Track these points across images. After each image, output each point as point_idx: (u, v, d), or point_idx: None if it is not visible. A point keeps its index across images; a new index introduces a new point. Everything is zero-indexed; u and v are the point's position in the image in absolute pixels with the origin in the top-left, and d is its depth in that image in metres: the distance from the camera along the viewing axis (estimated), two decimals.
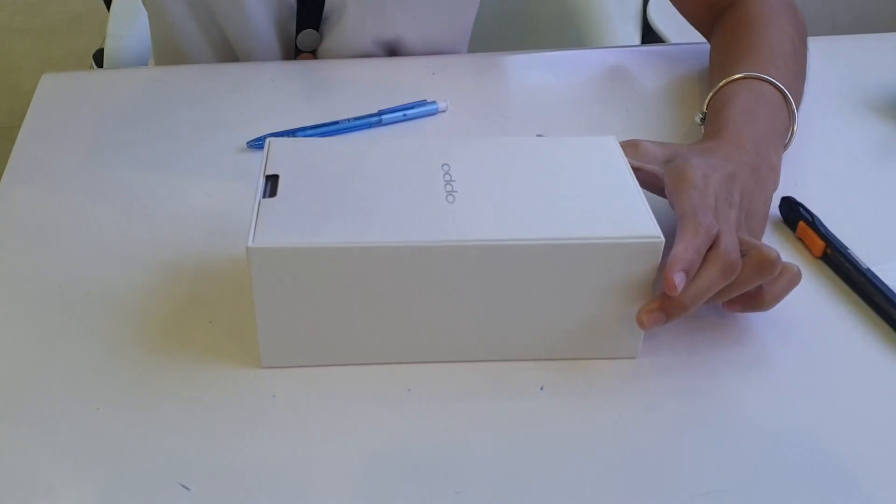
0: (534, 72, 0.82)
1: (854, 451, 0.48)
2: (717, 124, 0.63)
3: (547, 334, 0.51)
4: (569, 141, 0.56)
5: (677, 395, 0.51)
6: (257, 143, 0.70)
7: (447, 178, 0.52)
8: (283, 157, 0.53)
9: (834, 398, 0.51)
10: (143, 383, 0.51)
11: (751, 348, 0.54)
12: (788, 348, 0.54)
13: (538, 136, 0.67)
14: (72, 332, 0.54)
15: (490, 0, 0.93)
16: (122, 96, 0.77)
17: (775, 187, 0.61)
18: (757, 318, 0.55)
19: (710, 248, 0.51)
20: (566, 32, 1.10)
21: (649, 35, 1.11)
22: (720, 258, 0.50)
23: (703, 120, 0.68)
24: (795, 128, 0.66)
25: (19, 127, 0.73)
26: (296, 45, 0.85)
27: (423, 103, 0.74)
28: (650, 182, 0.56)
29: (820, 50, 0.76)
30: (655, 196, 0.55)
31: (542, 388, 0.51)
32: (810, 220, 0.61)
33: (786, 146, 0.66)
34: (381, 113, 0.73)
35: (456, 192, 0.51)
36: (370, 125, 0.73)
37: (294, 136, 0.70)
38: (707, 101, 0.68)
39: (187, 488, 0.45)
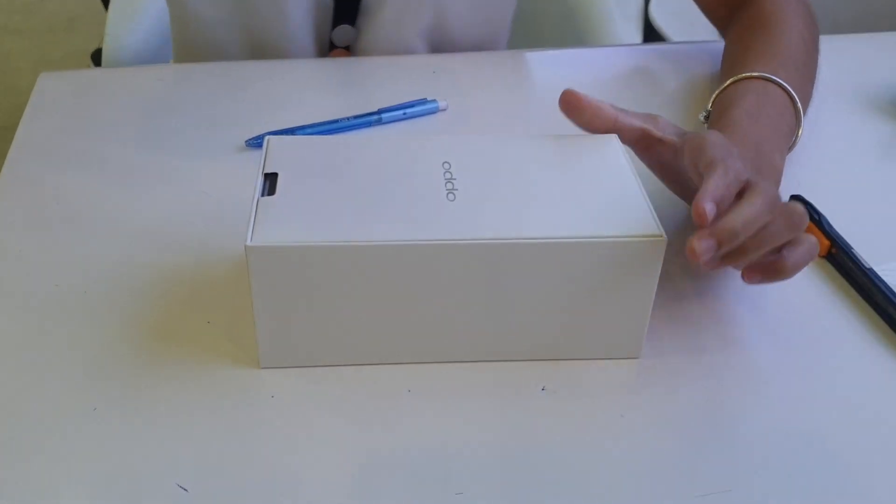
0: (534, 70, 0.82)
1: (856, 451, 0.47)
2: (720, 123, 0.62)
3: (548, 334, 0.51)
4: (570, 139, 0.55)
5: (680, 395, 0.50)
6: (256, 142, 0.69)
7: (448, 176, 0.51)
8: (282, 155, 0.53)
9: (835, 399, 0.50)
10: (140, 383, 0.50)
11: (753, 348, 0.53)
12: (790, 349, 0.53)
13: None
14: (69, 331, 0.53)
15: None
16: (119, 96, 0.77)
17: (777, 188, 0.61)
18: (758, 318, 0.55)
19: (745, 189, 0.49)
20: (568, 31, 1.10)
21: (651, 34, 1.11)
22: (761, 190, 0.48)
23: (706, 118, 0.67)
24: (801, 132, 0.66)
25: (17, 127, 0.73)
26: (330, 41, 0.84)
27: (422, 102, 0.74)
28: (667, 156, 0.55)
29: (822, 49, 0.76)
30: (657, 195, 0.55)
31: (543, 389, 0.50)
32: (817, 219, 0.60)
33: (790, 148, 0.66)
34: (380, 111, 0.72)
35: (457, 190, 0.50)
36: (370, 124, 0.72)
37: (293, 135, 0.69)
38: (713, 98, 0.67)
39: (185, 489, 0.45)
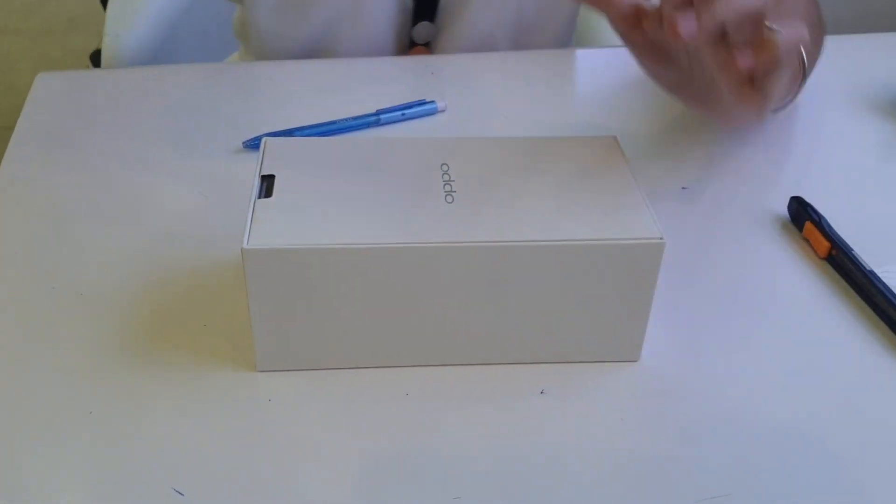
0: (533, 71, 0.82)
1: (857, 454, 0.47)
2: None
3: (547, 337, 0.51)
4: (569, 141, 0.55)
5: (679, 398, 0.50)
6: (253, 143, 0.69)
7: (446, 178, 0.51)
8: (279, 157, 0.53)
9: (836, 401, 0.50)
10: (136, 387, 0.50)
11: (752, 351, 0.53)
12: (790, 351, 0.53)
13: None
14: (65, 333, 0.53)
15: None
16: (117, 96, 0.77)
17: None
18: (758, 320, 0.55)
19: None
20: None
21: None
22: None
23: None
24: (803, 84, 0.65)
25: None
26: (410, 39, 0.84)
27: (421, 103, 0.74)
28: (657, 32, 0.51)
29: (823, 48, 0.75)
30: (657, 197, 0.54)
31: (542, 392, 0.50)
32: (817, 220, 0.60)
33: (795, 96, 0.66)
34: (379, 113, 0.72)
35: (455, 192, 0.50)
36: (368, 125, 0.72)
37: (291, 136, 0.69)
38: None
39: (181, 493, 0.44)
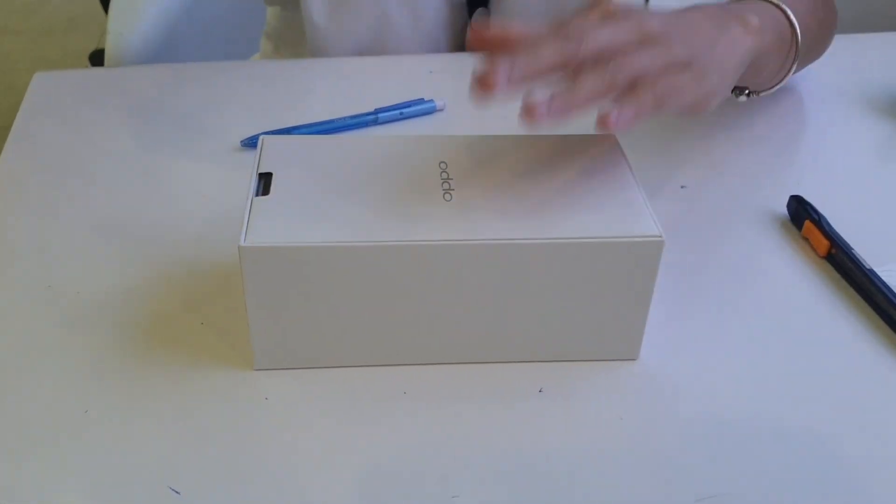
0: None
1: (856, 453, 0.47)
2: None
3: (546, 335, 0.50)
4: (568, 139, 0.55)
5: (678, 396, 0.50)
6: (251, 142, 0.69)
7: (444, 176, 0.51)
8: (276, 154, 0.52)
9: (836, 400, 0.50)
10: (133, 385, 0.50)
11: (751, 350, 0.53)
12: (789, 350, 0.53)
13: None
14: (61, 332, 0.53)
15: None
16: (114, 95, 0.77)
17: (752, 43, 0.58)
18: (757, 319, 0.55)
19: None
20: None
21: None
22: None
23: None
24: (794, 68, 0.65)
25: None
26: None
27: (420, 102, 0.73)
28: None
29: None
30: (656, 195, 0.54)
31: (540, 390, 0.50)
32: (817, 219, 0.60)
33: (780, 81, 0.66)
34: (377, 111, 0.72)
35: (453, 190, 0.50)
36: (366, 124, 0.72)
37: (288, 135, 0.69)
38: None
39: (177, 492, 0.44)
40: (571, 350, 0.51)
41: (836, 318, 0.55)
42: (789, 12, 0.64)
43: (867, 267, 0.56)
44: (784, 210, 0.63)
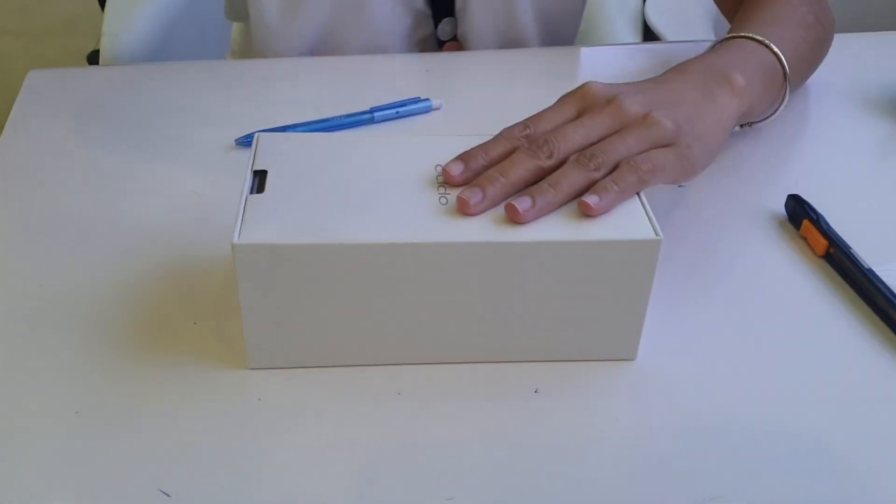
0: (529, 69, 0.81)
1: (855, 454, 0.47)
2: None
3: (542, 335, 0.50)
4: None
5: (676, 397, 0.49)
6: (246, 141, 0.68)
7: (440, 179, 0.50)
8: (271, 152, 0.52)
9: (834, 401, 0.50)
10: (124, 386, 0.49)
11: (749, 350, 0.52)
12: (787, 350, 0.53)
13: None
14: (52, 332, 0.52)
15: None
16: (108, 94, 0.76)
17: (739, 107, 0.59)
18: (755, 319, 0.54)
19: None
20: None
21: (646, 34, 1.11)
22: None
23: None
24: (786, 100, 0.66)
25: None
26: (437, 38, 0.85)
27: (416, 101, 0.73)
28: None
29: None
30: (654, 196, 0.54)
31: (536, 391, 0.50)
32: (815, 218, 0.59)
33: (771, 115, 0.66)
34: (373, 110, 0.72)
35: (449, 194, 0.49)
36: (362, 123, 0.71)
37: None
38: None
39: (167, 495, 0.44)
40: (568, 350, 0.51)
41: (834, 318, 0.55)
42: (778, 52, 0.64)
43: (866, 266, 0.56)
44: (782, 209, 0.63)
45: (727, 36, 0.65)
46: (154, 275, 0.56)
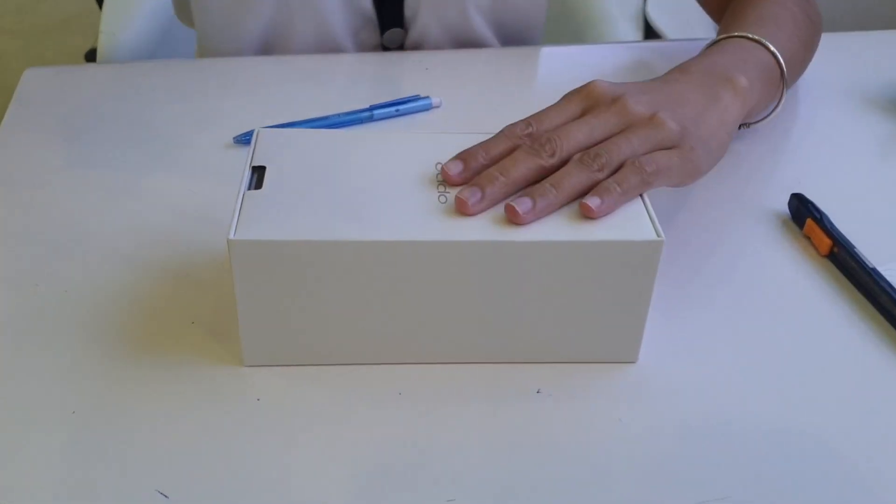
0: (529, 68, 0.81)
1: (858, 455, 0.46)
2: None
3: (543, 336, 0.49)
4: None
5: (678, 398, 0.49)
6: (244, 139, 0.68)
7: (440, 177, 0.50)
8: (270, 148, 0.51)
9: (838, 401, 0.49)
10: (121, 386, 0.49)
11: (752, 350, 0.52)
12: (791, 351, 0.52)
13: None
14: (49, 332, 0.52)
15: None
16: (106, 91, 0.76)
17: (742, 108, 0.59)
18: (758, 320, 0.54)
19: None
20: (566, 32, 1.09)
21: (647, 32, 1.10)
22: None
23: None
24: (783, 100, 0.65)
25: None
26: (383, 45, 0.84)
27: (415, 98, 0.73)
28: None
29: (822, 47, 0.75)
30: (656, 196, 0.53)
31: (538, 392, 0.49)
32: (818, 217, 0.59)
33: (769, 115, 0.66)
34: (372, 108, 0.71)
35: (449, 192, 0.49)
36: (361, 120, 0.71)
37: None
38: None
39: (165, 496, 0.43)
40: (569, 351, 0.50)
41: (838, 318, 0.54)
42: (776, 51, 0.63)
43: (870, 265, 0.55)
44: (785, 208, 0.62)
45: (724, 35, 0.65)
46: (151, 274, 0.56)
